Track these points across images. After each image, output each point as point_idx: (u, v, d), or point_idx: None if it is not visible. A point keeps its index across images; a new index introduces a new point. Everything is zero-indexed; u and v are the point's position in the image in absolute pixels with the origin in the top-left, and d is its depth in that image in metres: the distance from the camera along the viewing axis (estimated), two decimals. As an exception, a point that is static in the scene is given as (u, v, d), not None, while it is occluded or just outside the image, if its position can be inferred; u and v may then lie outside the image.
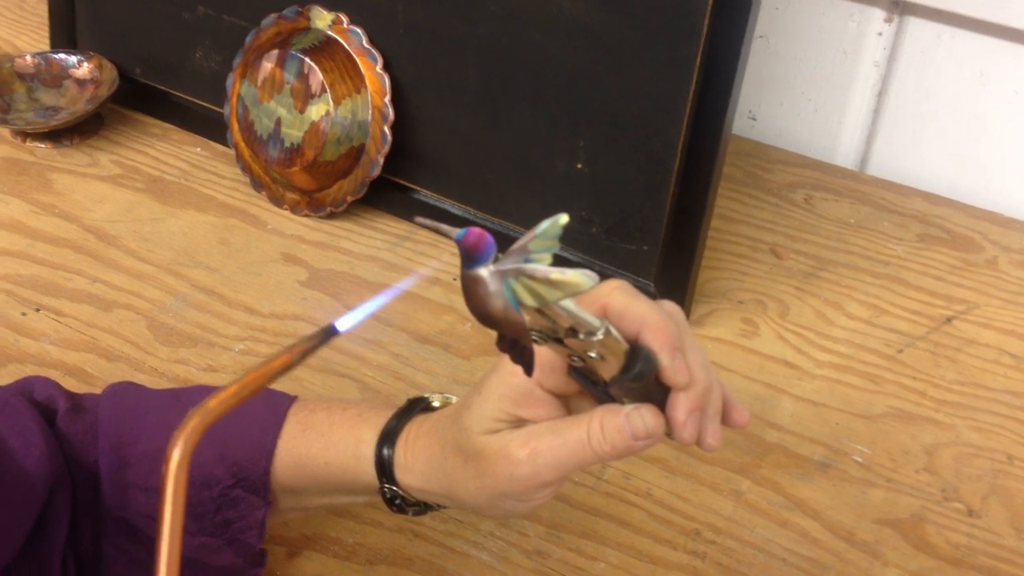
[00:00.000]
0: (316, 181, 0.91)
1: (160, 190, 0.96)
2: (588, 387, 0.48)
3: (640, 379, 0.46)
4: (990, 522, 0.69)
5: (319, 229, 0.92)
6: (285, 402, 0.58)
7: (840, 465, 0.73)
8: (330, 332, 0.42)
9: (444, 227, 0.40)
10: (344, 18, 0.90)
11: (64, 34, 1.07)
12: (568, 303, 0.42)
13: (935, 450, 0.74)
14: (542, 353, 0.47)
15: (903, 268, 0.90)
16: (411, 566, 0.65)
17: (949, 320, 0.85)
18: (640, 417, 0.47)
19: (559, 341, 0.44)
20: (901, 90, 1.00)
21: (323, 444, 0.56)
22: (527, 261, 0.39)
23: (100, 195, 0.95)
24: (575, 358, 0.45)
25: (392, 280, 0.87)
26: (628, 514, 0.68)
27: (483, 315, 0.40)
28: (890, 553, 0.67)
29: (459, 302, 0.85)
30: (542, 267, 0.38)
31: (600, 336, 0.43)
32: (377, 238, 0.92)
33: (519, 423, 0.49)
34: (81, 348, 0.79)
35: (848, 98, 1.03)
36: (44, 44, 1.12)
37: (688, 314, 0.84)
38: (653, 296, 0.83)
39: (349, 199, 0.92)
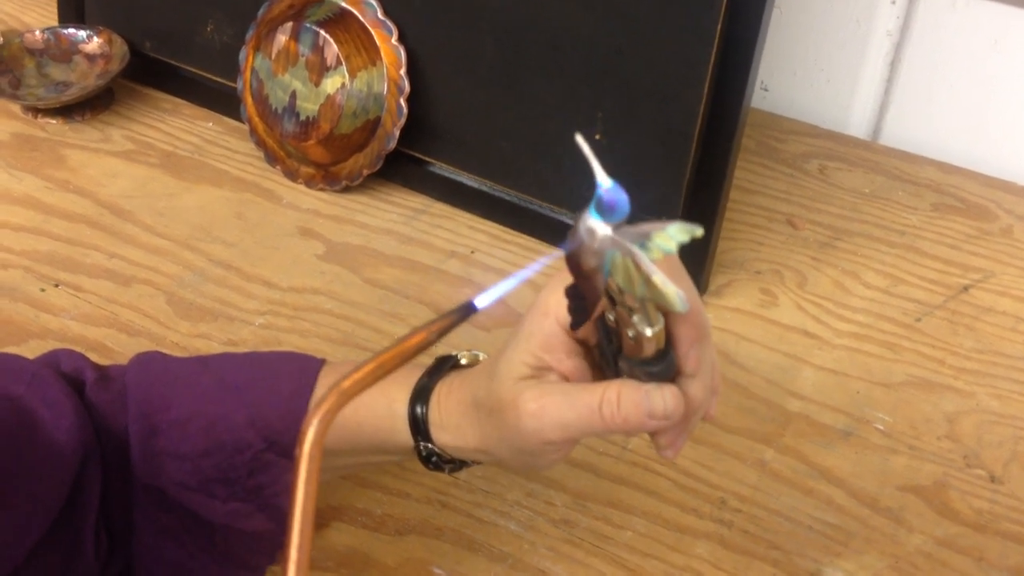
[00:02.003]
0: (331, 155, 0.91)
1: (174, 165, 0.95)
2: (603, 341, 0.48)
3: (652, 377, 0.47)
4: (1012, 487, 0.70)
5: (335, 203, 0.92)
6: (315, 365, 0.58)
7: (862, 433, 0.73)
8: (468, 309, 0.41)
9: (596, 167, 0.40)
10: (358, -10, 0.89)
11: (72, 8, 1.06)
12: (643, 298, 0.42)
13: (956, 417, 0.75)
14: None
15: (918, 237, 0.91)
16: (440, 536, 0.66)
17: (966, 289, 0.86)
18: (661, 396, 0.47)
19: (612, 301, 0.44)
20: (914, 59, 1.00)
21: (355, 404, 0.55)
22: (642, 246, 0.39)
23: (114, 170, 0.94)
24: (611, 317, 0.46)
25: (409, 253, 0.87)
26: (654, 483, 0.69)
27: (573, 261, 0.41)
28: (914, 519, 0.68)
29: (477, 275, 0.85)
30: (650, 263, 0.39)
31: (650, 333, 0.44)
32: (393, 211, 0.92)
33: (544, 369, 0.49)
34: (101, 323, 0.79)
35: (861, 68, 1.02)
36: (51, 19, 1.12)
37: (706, 285, 0.84)
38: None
39: (365, 172, 0.92)
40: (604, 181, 0.39)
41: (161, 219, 0.89)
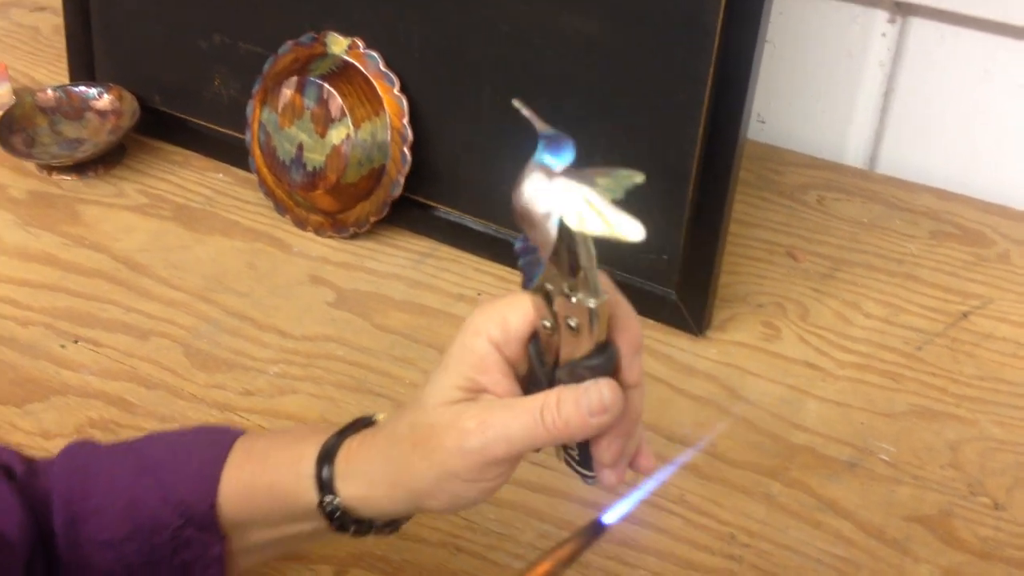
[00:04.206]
0: (339, 203, 0.93)
1: (186, 217, 0.97)
2: (536, 363, 0.48)
3: (594, 372, 0.46)
4: (1016, 514, 0.71)
5: (343, 250, 0.94)
6: (229, 436, 0.57)
7: (867, 464, 0.75)
8: (597, 529, 0.43)
9: (535, 119, 0.41)
10: (360, 43, 0.92)
11: (83, 66, 1.09)
12: (591, 258, 0.43)
13: (959, 445, 0.76)
14: (512, 318, 0.48)
15: (917, 265, 0.92)
16: (456, 580, 0.67)
17: (965, 315, 0.87)
18: (597, 389, 0.46)
19: (548, 298, 0.45)
20: (907, 89, 1.02)
21: (263, 467, 0.55)
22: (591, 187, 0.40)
23: (128, 225, 0.96)
24: (547, 324, 0.46)
25: (417, 297, 0.89)
26: (664, 521, 0.70)
27: (524, 210, 0.42)
28: (921, 549, 0.69)
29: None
30: (602, 199, 0.39)
31: (594, 304, 0.44)
32: (400, 256, 0.94)
33: (477, 391, 0.49)
34: (121, 377, 0.81)
35: (855, 98, 1.04)
36: (61, 76, 1.14)
37: (710, 319, 0.86)
38: (675, 305, 0.85)
39: (372, 219, 0.94)
40: (544, 128, 0.40)
41: (176, 272, 0.91)
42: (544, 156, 0.41)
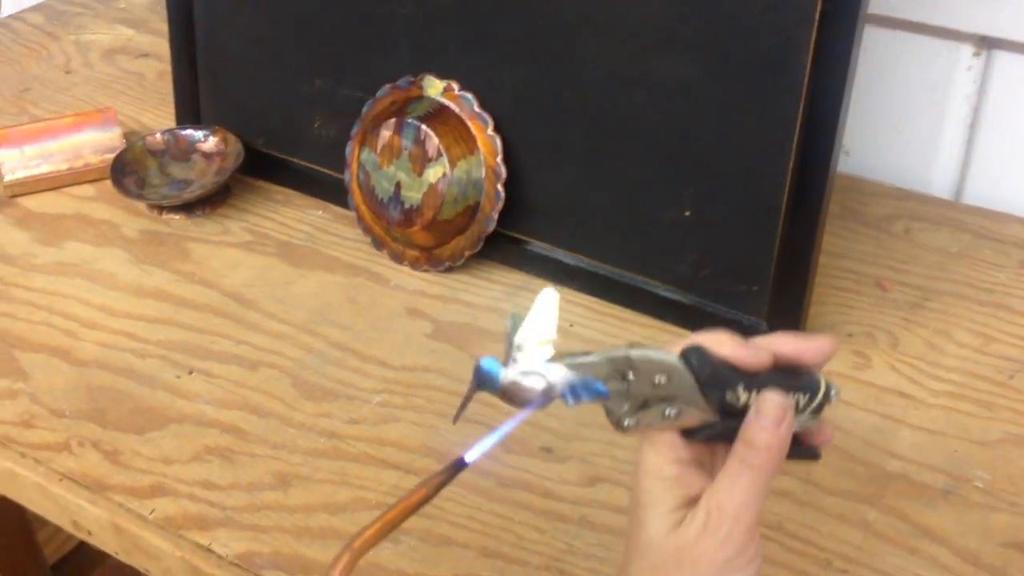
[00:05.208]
0: (435, 238, 0.97)
1: (289, 253, 1.02)
2: (710, 434, 0.52)
3: (703, 367, 0.50)
4: (1116, 542, 0.71)
5: (439, 283, 0.98)
6: None
7: (962, 491, 0.75)
8: (459, 465, 0.47)
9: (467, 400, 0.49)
10: (455, 85, 0.96)
11: (189, 110, 1.15)
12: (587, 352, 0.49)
13: (1055, 473, 0.76)
14: (664, 436, 0.52)
15: (1008, 295, 0.93)
16: (559, 602, 0.69)
17: (1058, 344, 0.87)
18: (763, 404, 0.50)
19: (645, 405, 0.50)
20: (993, 121, 1.02)
21: None
22: (516, 348, 0.48)
23: (234, 261, 1.01)
24: (670, 412, 0.50)
25: (513, 329, 0.92)
26: (762, 547, 0.72)
27: (526, 396, 0.48)
28: (1018, 575, 0.69)
29: (577, 345, 0.90)
30: (525, 332, 0.47)
31: (633, 352, 0.49)
32: (495, 289, 0.97)
33: (692, 500, 0.51)
34: (234, 406, 0.85)
35: (941, 130, 1.05)
36: (167, 119, 1.20)
37: (800, 350, 0.87)
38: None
39: (467, 254, 0.97)
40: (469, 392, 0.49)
41: (281, 306, 0.96)
42: (486, 384, 0.48)
